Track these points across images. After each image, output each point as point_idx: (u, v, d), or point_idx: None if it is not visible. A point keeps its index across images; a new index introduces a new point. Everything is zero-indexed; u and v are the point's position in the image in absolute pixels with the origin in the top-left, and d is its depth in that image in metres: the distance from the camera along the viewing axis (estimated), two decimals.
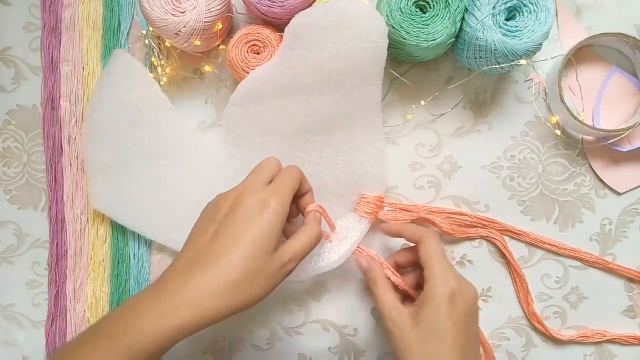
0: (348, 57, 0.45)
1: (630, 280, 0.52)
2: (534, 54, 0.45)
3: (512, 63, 0.45)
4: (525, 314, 0.51)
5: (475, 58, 0.46)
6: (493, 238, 0.51)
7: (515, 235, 0.51)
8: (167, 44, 0.49)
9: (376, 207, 0.49)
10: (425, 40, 0.44)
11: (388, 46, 0.45)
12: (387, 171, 0.49)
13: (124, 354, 0.35)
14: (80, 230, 0.52)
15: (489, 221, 0.51)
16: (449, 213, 0.51)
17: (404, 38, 0.44)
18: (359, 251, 0.48)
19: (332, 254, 0.49)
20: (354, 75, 0.46)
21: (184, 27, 0.45)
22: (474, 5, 0.44)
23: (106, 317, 0.39)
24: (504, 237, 0.51)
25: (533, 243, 0.51)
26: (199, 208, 0.49)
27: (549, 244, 0.51)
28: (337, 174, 0.49)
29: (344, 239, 0.48)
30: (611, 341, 0.51)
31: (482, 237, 0.51)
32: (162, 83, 0.51)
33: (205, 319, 0.36)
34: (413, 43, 0.44)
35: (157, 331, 0.35)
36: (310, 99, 0.47)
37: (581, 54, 0.51)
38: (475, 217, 0.51)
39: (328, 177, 0.49)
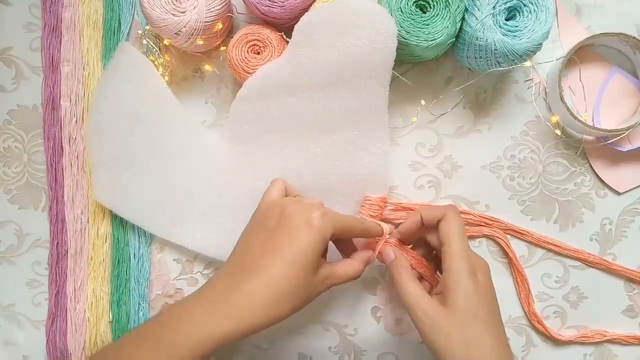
0: (356, 56, 0.45)
1: (631, 280, 0.52)
2: (534, 53, 0.45)
3: (515, 66, 0.45)
4: (526, 313, 0.51)
5: (476, 58, 0.46)
6: (497, 237, 0.51)
7: (519, 234, 0.51)
8: (165, 42, 0.49)
9: (380, 208, 0.49)
10: (426, 40, 0.44)
11: None
12: (391, 172, 0.49)
13: (169, 356, 0.36)
14: (81, 230, 0.52)
15: (493, 220, 0.51)
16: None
17: (404, 38, 0.44)
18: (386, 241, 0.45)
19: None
20: (361, 75, 0.46)
21: (184, 27, 0.45)
22: (474, 5, 0.44)
23: (150, 322, 0.40)
24: (507, 236, 0.51)
25: (536, 243, 0.51)
26: (201, 202, 0.50)
27: (551, 244, 0.51)
28: (342, 174, 0.49)
29: None
30: (611, 341, 0.51)
31: (485, 236, 0.51)
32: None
33: (243, 331, 0.37)
34: (413, 43, 0.44)
35: (201, 338, 0.36)
36: (317, 98, 0.47)
37: (581, 54, 0.51)
38: (479, 216, 0.51)
39: (332, 176, 0.49)
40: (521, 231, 0.51)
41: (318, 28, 0.45)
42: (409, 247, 0.46)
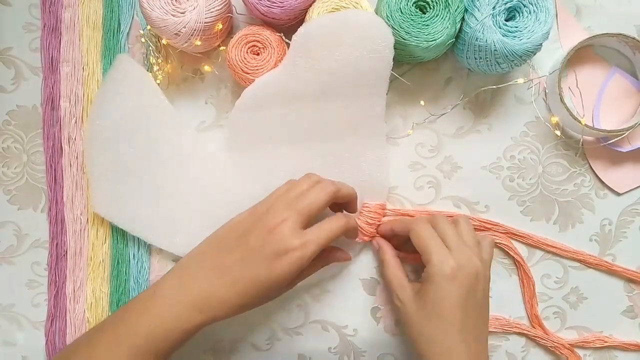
0: (354, 66, 0.46)
1: (631, 281, 0.51)
2: (534, 54, 0.45)
3: (509, 83, 0.47)
4: (528, 315, 0.51)
5: (475, 58, 0.46)
6: (501, 243, 0.51)
7: (518, 237, 0.51)
8: (163, 41, 0.49)
9: (378, 215, 0.49)
10: (425, 41, 0.44)
11: None
12: (389, 179, 0.50)
13: (145, 346, 0.40)
14: (80, 230, 0.52)
15: (492, 224, 0.51)
16: (451, 217, 0.50)
17: (404, 38, 0.44)
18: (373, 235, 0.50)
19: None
20: (359, 84, 0.46)
21: (184, 27, 0.45)
22: (474, 5, 0.44)
23: (126, 311, 0.42)
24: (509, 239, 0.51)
25: (535, 245, 0.51)
26: (200, 212, 0.50)
27: (551, 246, 0.51)
28: (340, 181, 0.49)
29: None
30: (612, 347, 0.51)
31: None
32: (158, 81, 0.51)
33: (209, 323, 0.41)
34: (413, 43, 0.44)
35: (179, 328, 0.40)
36: (315, 107, 0.48)
37: (581, 54, 0.51)
38: (478, 220, 0.51)
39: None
40: (520, 234, 0.51)
41: (316, 38, 0.45)
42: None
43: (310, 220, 0.42)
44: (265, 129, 0.49)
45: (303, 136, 0.49)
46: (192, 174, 0.50)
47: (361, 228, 0.49)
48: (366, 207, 0.49)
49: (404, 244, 0.50)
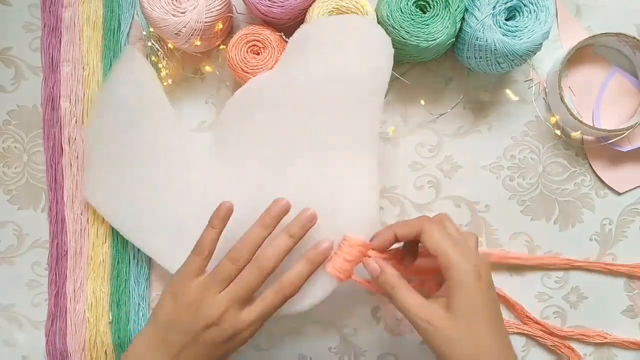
0: (349, 74, 0.44)
1: (631, 277, 0.51)
2: (534, 54, 0.45)
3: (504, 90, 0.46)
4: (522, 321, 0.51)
5: (476, 58, 0.46)
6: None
7: (504, 259, 0.51)
8: (169, 45, 0.49)
9: (360, 254, 0.42)
10: (426, 40, 0.44)
11: None
12: (377, 210, 0.45)
13: None
14: (81, 230, 0.52)
15: None
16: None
17: (404, 38, 0.44)
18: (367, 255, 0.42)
19: (316, 290, 0.45)
20: (354, 93, 0.44)
21: (184, 27, 0.45)
22: (474, 5, 0.44)
23: None
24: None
25: (524, 263, 0.51)
26: (189, 215, 0.49)
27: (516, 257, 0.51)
28: (322, 198, 0.44)
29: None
30: (611, 344, 0.51)
31: None
32: (165, 84, 0.51)
33: None
34: (413, 43, 0.44)
35: None
36: (307, 112, 0.46)
37: (581, 54, 0.51)
38: None
39: (314, 201, 0.44)
40: (512, 256, 0.51)
41: (312, 42, 0.44)
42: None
43: (250, 297, 0.42)
44: (255, 131, 0.48)
45: (291, 141, 0.46)
46: (178, 172, 0.50)
47: (337, 266, 0.42)
48: (347, 241, 0.42)
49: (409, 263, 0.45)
